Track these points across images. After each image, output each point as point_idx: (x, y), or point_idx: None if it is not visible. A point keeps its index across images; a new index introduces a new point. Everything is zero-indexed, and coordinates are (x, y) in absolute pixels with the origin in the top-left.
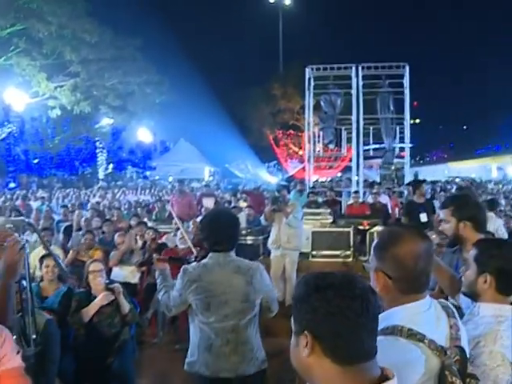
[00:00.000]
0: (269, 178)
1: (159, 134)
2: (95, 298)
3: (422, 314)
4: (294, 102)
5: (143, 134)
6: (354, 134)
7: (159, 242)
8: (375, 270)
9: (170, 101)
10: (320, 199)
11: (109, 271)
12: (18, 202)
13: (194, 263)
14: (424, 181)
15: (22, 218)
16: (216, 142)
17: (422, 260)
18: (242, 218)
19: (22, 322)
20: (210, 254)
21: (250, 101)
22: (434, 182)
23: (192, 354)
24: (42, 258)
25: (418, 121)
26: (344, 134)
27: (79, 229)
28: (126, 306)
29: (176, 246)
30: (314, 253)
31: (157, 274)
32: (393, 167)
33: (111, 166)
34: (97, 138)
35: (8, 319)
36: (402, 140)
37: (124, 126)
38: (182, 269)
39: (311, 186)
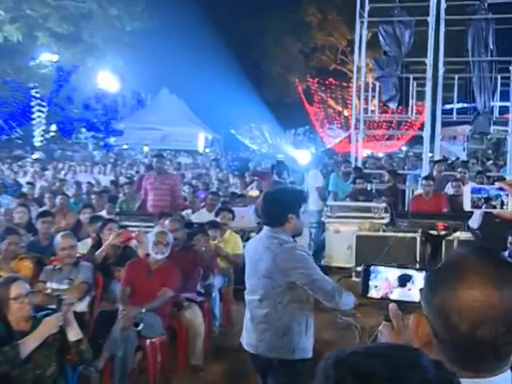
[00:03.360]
0: (295, 153)
1: (130, 80)
2: (20, 334)
3: None
4: (338, 35)
5: (105, 80)
6: (428, 87)
7: (121, 245)
8: (417, 313)
9: (147, 30)
10: (372, 186)
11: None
12: None
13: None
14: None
15: None
16: (217, 96)
17: (491, 324)
18: (250, 217)
19: None
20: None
21: (269, 33)
22: None
23: None
24: None
25: None
26: (413, 87)
27: None
28: (76, 330)
29: (147, 254)
30: (359, 269)
31: None
32: (489, 139)
33: (54, 127)
34: (31, 84)
35: None
36: (505, 96)
37: (75, 67)
38: None
39: (360, 165)
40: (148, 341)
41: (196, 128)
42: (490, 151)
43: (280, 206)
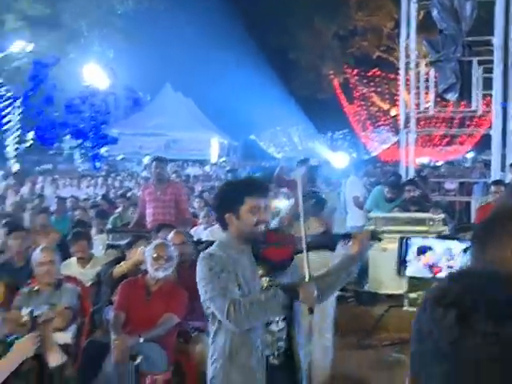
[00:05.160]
0: (331, 156)
1: (123, 75)
2: None
3: None
4: (383, 14)
5: (93, 75)
6: (497, 73)
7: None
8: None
9: (143, 12)
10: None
11: None
12: None
13: None
14: None
15: None
16: (233, 94)
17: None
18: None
19: None
20: None
21: (297, 15)
22: None
23: None
24: None
25: None
26: (478, 74)
27: None
28: (57, 353)
29: (144, 272)
30: (412, 295)
31: None
32: None
33: (32, 134)
34: (1, 81)
35: None
36: None
37: (55, 58)
38: None
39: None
40: (149, 378)
41: (208, 133)
42: None
43: (216, 205)
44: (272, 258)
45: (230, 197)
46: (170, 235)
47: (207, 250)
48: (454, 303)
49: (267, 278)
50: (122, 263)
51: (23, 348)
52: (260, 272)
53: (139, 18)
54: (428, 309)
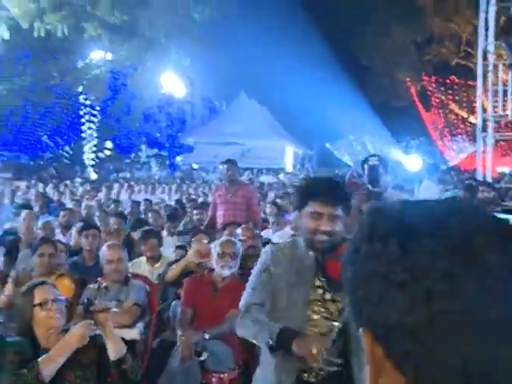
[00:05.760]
0: (404, 159)
1: (199, 83)
2: (45, 351)
3: None
4: (461, 20)
5: (170, 84)
6: None
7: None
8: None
9: (220, 21)
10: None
11: None
12: None
13: None
14: None
15: None
16: (307, 101)
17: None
18: None
19: None
20: None
21: (373, 20)
22: None
23: None
24: None
25: None
26: None
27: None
28: (117, 345)
29: (209, 269)
30: None
31: None
32: None
33: (109, 143)
34: (81, 89)
35: None
36: None
37: (133, 67)
38: None
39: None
40: (215, 376)
41: (282, 142)
42: None
43: (292, 201)
44: (331, 272)
45: (297, 196)
46: (239, 230)
47: (274, 244)
48: (389, 232)
49: (325, 292)
50: (173, 266)
51: (76, 334)
52: (317, 283)
53: (215, 25)
54: (363, 248)
